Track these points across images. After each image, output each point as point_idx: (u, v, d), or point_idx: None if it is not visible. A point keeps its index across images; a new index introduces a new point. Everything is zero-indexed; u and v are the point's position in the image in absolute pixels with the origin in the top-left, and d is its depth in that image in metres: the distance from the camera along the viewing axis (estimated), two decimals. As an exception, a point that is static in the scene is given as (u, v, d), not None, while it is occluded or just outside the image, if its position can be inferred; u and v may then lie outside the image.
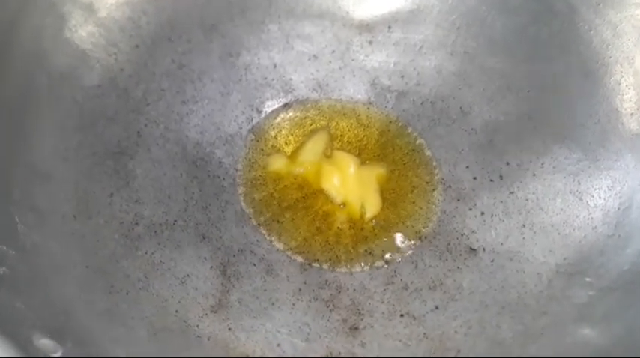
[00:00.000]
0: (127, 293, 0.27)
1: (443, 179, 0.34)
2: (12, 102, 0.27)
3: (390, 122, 0.35)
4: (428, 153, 0.35)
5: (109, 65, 0.31)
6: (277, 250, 0.31)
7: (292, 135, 0.35)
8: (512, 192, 0.33)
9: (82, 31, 0.30)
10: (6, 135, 0.26)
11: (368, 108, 0.36)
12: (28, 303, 0.21)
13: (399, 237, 0.32)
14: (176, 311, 0.27)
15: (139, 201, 0.30)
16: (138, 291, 0.27)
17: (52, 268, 0.24)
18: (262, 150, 0.34)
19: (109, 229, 0.29)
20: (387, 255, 0.32)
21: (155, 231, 0.30)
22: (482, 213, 0.32)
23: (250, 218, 0.32)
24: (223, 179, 0.33)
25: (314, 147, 0.34)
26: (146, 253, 0.29)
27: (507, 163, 0.33)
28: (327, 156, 0.34)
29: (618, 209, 0.30)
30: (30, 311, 0.21)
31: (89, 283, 0.25)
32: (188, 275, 0.29)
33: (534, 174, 0.33)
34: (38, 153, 0.27)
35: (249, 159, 0.34)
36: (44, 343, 0.19)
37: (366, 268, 0.31)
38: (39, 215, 0.26)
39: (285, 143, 0.35)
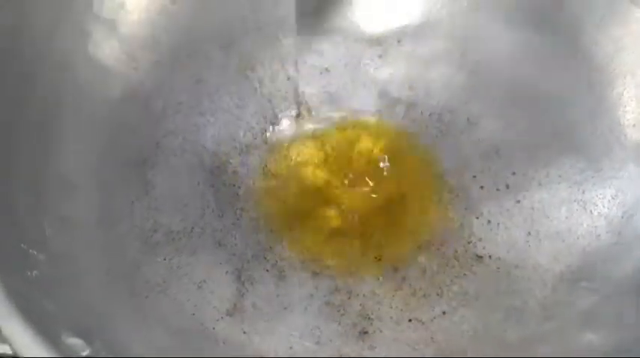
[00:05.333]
0: (147, 297, 0.28)
1: (451, 188, 0.35)
2: (40, 114, 0.28)
3: (399, 133, 0.37)
4: (436, 163, 0.35)
5: (130, 79, 0.33)
6: (289, 257, 0.32)
7: (304, 145, 0.36)
8: (518, 201, 0.33)
9: (105, 47, 0.32)
10: (35, 146, 0.27)
11: (378, 120, 0.37)
12: (57, 304, 0.22)
13: (407, 245, 0.33)
14: (193, 314, 0.28)
15: (158, 209, 0.31)
16: (157, 295, 0.28)
17: (78, 272, 0.26)
18: (276, 160, 0.36)
19: (130, 236, 0.30)
20: (396, 262, 0.33)
21: (173, 238, 0.31)
22: (489, 222, 0.33)
23: (264, 225, 0.33)
24: (238, 188, 0.34)
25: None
26: (165, 259, 0.30)
27: (513, 173, 0.34)
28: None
29: (622, 217, 0.31)
30: (60, 311, 0.22)
31: (111, 286, 0.27)
32: (204, 280, 0.30)
33: (540, 184, 0.33)
34: (64, 163, 0.28)
35: (263, 169, 0.35)
36: (73, 342, 0.20)
37: (376, 275, 0.32)
38: (65, 222, 0.27)
39: (297, 153, 0.36)
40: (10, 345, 0.19)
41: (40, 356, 0.18)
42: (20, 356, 0.18)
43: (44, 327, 0.19)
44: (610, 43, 0.32)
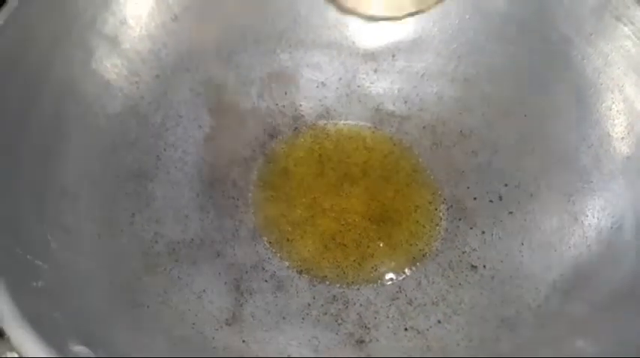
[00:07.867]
0: (148, 307, 0.28)
1: (445, 199, 0.35)
2: (44, 128, 0.29)
3: (394, 145, 0.37)
4: (430, 174, 0.36)
5: (131, 93, 0.33)
6: (287, 267, 0.33)
7: (301, 158, 0.37)
8: (510, 212, 0.34)
9: (107, 62, 0.32)
10: (39, 158, 0.28)
11: (373, 132, 0.38)
12: (63, 313, 0.23)
13: (402, 255, 0.34)
14: (193, 324, 0.29)
15: (158, 221, 0.32)
16: (158, 305, 0.29)
17: (81, 282, 0.26)
18: (273, 172, 0.36)
19: (131, 247, 0.30)
20: (392, 272, 0.33)
21: (173, 249, 0.31)
22: (483, 232, 0.34)
23: (262, 236, 0.34)
24: (237, 199, 0.35)
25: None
26: (165, 269, 0.31)
27: (506, 184, 0.35)
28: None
29: (611, 228, 0.32)
30: (65, 320, 0.22)
31: (114, 297, 0.27)
32: (204, 291, 0.30)
33: (532, 195, 0.34)
34: (67, 175, 0.29)
35: (262, 181, 0.36)
36: (79, 350, 0.21)
37: (372, 284, 0.33)
38: (68, 233, 0.27)
39: (295, 165, 0.37)
40: (18, 353, 0.19)
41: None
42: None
43: (51, 336, 0.20)
44: (599, 57, 0.33)
